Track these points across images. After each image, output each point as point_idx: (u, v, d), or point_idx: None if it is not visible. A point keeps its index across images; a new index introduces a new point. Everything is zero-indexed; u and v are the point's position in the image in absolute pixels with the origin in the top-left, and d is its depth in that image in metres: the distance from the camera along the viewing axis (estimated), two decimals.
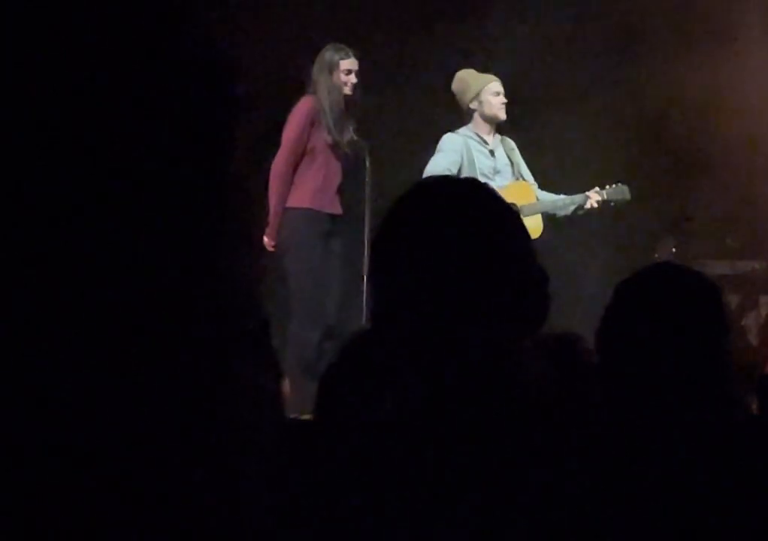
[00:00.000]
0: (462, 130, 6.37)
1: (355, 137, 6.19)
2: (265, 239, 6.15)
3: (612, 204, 6.42)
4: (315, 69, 6.20)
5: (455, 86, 6.44)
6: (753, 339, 7.24)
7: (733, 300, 7.23)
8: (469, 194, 1.70)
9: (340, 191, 6.25)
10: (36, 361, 0.91)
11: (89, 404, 0.93)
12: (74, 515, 0.92)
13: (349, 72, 6.15)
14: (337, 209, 6.22)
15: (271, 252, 6.14)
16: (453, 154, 6.25)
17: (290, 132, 6.14)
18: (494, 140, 6.39)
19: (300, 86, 6.28)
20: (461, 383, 1.60)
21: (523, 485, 1.54)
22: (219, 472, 0.99)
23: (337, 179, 6.22)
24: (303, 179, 6.13)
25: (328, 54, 6.19)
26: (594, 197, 6.37)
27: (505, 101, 6.33)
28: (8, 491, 0.90)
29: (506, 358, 1.63)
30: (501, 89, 6.34)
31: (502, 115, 6.34)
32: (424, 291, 1.62)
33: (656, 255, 7.59)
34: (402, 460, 1.55)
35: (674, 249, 7.70)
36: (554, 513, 1.55)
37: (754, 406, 2.78)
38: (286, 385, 5.61)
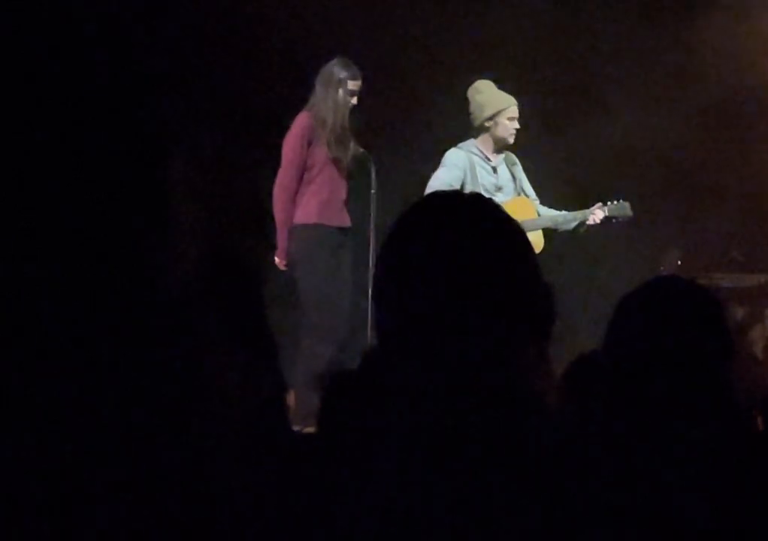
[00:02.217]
0: (466, 146, 6.34)
1: (360, 150, 6.17)
2: (276, 259, 6.14)
3: (614, 220, 6.39)
4: (320, 83, 6.15)
5: (473, 96, 6.35)
6: (759, 352, 7.23)
7: (738, 313, 7.23)
8: (473, 208, 1.70)
9: (346, 203, 6.24)
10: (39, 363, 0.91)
11: (93, 426, 0.93)
12: (73, 516, 0.92)
13: (353, 93, 6.13)
14: (344, 221, 6.20)
15: (283, 270, 6.14)
16: (456, 169, 6.24)
17: (287, 151, 6.12)
18: (497, 157, 6.38)
19: (300, 102, 6.24)
20: (467, 396, 1.60)
21: (529, 502, 1.54)
22: (224, 484, 0.99)
23: (341, 192, 6.21)
24: (308, 196, 6.11)
25: (335, 70, 6.12)
26: (595, 214, 6.35)
27: (518, 126, 6.29)
28: (9, 490, 0.90)
29: (513, 371, 1.63)
30: (517, 114, 6.30)
31: (511, 140, 6.31)
32: (430, 304, 1.62)
33: (661, 268, 7.58)
34: (405, 475, 1.55)
35: (680, 262, 7.70)
36: (558, 531, 1.55)
37: (760, 421, 2.77)
38: (291, 399, 5.61)
